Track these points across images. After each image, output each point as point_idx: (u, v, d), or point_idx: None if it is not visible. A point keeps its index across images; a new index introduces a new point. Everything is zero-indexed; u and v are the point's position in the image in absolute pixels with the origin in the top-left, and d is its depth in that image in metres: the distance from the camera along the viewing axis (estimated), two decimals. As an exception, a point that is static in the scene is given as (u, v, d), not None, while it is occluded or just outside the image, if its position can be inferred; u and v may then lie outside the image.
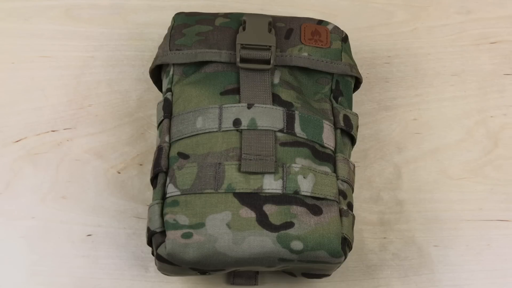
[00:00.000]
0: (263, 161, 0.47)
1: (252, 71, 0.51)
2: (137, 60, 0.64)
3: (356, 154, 0.60)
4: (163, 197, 0.48)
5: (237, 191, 0.47)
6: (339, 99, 0.53)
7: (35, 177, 0.58)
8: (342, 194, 0.49)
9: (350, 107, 0.54)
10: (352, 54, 0.55)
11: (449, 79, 0.65)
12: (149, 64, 0.63)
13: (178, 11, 0.56)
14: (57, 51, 0.64)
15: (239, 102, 0.50)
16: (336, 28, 0.55)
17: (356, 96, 0.62)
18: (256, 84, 0.50)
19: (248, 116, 0.49)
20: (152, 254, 0.48)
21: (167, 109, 0.51)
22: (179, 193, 0.47)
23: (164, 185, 0.48)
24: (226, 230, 0.46)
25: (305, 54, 0.52)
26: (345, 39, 0.55)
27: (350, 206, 0.49)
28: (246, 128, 0.49)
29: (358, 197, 0.59)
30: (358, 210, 0.58)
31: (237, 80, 0.51)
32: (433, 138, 0.62)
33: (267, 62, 0.51)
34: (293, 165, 0.48)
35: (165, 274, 0.50)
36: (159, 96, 0.56)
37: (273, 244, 0.46)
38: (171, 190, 0.47)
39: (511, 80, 0.65)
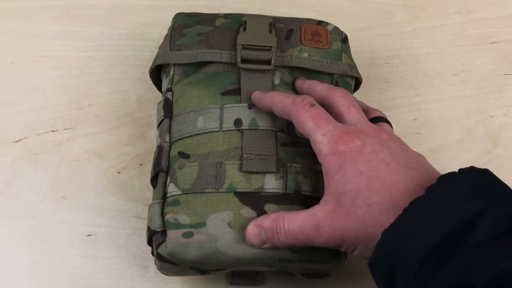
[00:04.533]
0: (264, 160, 0.47)
1: (253, 72, 0.51)
2: (137, 60, 0.64)
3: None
4: (164, 196, 0.48)
5: (238, 190, 0.47)
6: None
7: (35, 177, 0.58)
8: (343, 194, 0.49)
9: (350, 107, 0.54)
10: (352, 54, 0.56)
11: (449, 79, 0.65)
12: (149, 64, 0.63)
13: (178, 11, 0.56)
14: (57, 51, 0.64)
15: (240, 102, 0.50)
16: (336, 28, 0.55)
17: (356, 96, 0.61)
18: (257, 84, 0.50)
19: (249, 116, 0.49)
20: (152, 253, 0.48)
21: (168, 109, 0.51)
22: (180, 192, 0.47)
23: (165, 185, 0.48)
24: (227, 229, 0.46)
25: (305, 54, 0.52)
26: (345, 39, 0.55)
27: (350, 206, 0.49)
28: (247, 128, 0.49)
29: (358, 197, 0.58)
30: (358, 210, 0.58)
31: (238, 81, 0.51)
32: (433, 138, 0.62)
33: (268, 62, 0.51)
34: (294, 165, 0.48)
35: (165, 274, 0.50)
36: (159, 96, 0.56)
37: (273, 244, 0.46)
38: (171, 189, 0.47)
39: (511, 80, 0.66)
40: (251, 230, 0.45)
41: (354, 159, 0.42)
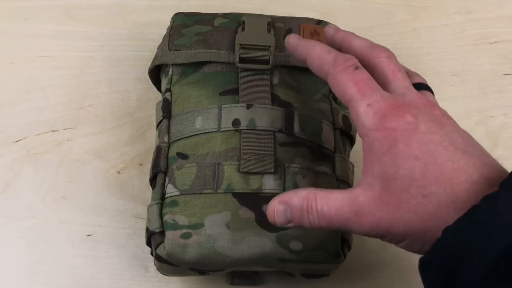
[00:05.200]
0: (263, 161, 0.47)
1: (252, 71, 0.51)
2: (137, 60, 0.65)
3: (355, 154, 0.60)
4: (162, 197, 0.48)
5: (236, 191, 0.47)
6: (338, 99, 0.53)
7: (35, 177, 0.58)
8: (342, 194, 0.48)
9: (350, 107, 0.54)
10: (352, 54, 0.56)
11: (449, 79, 0.65)
12: (149, 64, 0.63)
13: (178, 11, 0.56)
14: (57, 51, 0.64)
15: (238, 102, 0.50)
16: (335, 28, 0.55)
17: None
18: (256, 84, 0.50)
19: (247, 117, 0.49)
20: (151, 254, 0.48)
21: (166, 109, 0.51)
22: (178, 193, 0.47)
23: (163, 185, 0.48)
24: (225, 230, 0.46)
25: (305, 54, 0.52)
26: (344, 39, 0.55)
27: (349, 206, 0.49)
28: (245, 128, 0.48)
29: (358, 197, 0.58)
30: (357, 210, 0.58)
31: (236, 80, 0.51)
32: (433, 138, 0.62)
33: (266, 62, 0.50)
34: (292, 165, 0.48)
35: (164, 275, 0.50)
36: (159, 96, 0.56)
37: (272, 244, 0.46)
38: (170, 190, 0.47)
39: (511, 80, 0.65)
40: (276, 207, 0.40)
41: (406, 139, 0.36)
